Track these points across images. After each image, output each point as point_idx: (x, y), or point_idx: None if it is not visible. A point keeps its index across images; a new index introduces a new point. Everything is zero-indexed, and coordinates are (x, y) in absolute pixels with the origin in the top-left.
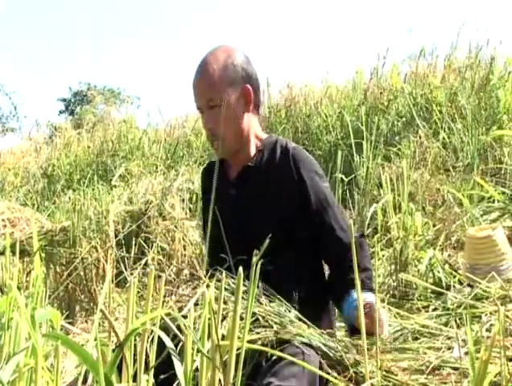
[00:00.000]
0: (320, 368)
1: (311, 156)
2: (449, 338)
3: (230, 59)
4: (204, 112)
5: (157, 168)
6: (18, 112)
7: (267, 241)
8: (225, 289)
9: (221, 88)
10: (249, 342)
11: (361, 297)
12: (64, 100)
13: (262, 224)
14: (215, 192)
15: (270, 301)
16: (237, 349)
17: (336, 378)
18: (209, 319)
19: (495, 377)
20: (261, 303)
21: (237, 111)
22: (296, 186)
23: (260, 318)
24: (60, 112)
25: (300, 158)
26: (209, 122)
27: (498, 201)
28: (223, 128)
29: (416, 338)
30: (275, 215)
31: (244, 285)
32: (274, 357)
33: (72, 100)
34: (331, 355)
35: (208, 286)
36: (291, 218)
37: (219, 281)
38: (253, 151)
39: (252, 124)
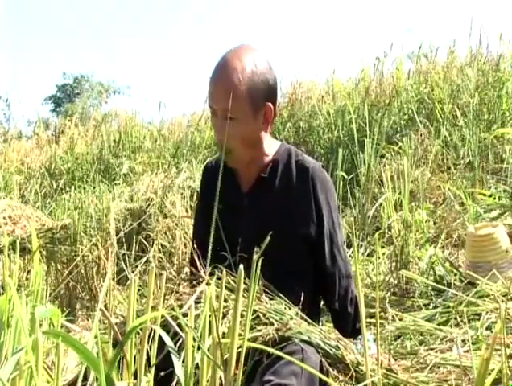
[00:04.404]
0: (321, 367)
1: (329, 176)
2: (450, 337)
3: (256, 68)
4: (217, 117)
5: (161, 166)
6: (13, 112)
7: (268, 239)
8: (225, 287)
9: (242, 103)
10: (249, 339)
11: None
12: (52, 96)
13: (275, 239)
14: (223, 203)
15: (271, 299)
16: (238, 347)
17: (336, 377)
18: (210, 317)
19: (496, 375)
20: (261, 301)
21: (254, 128)
22: (312, 209)
23: (261, 315)
24: (51, 110)
25: (320, 180)
26: (221, 133)
27: (500, 198)
28: (235, 143)
29: (417, 337)
30: (289, 232)
31: (244, 283)
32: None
33: (60, 96)
34: (331, 353)
35: (208, 284)
36: (301, 237)
37: (219, 279)
38: (265, 161)
39: (264, 138)
